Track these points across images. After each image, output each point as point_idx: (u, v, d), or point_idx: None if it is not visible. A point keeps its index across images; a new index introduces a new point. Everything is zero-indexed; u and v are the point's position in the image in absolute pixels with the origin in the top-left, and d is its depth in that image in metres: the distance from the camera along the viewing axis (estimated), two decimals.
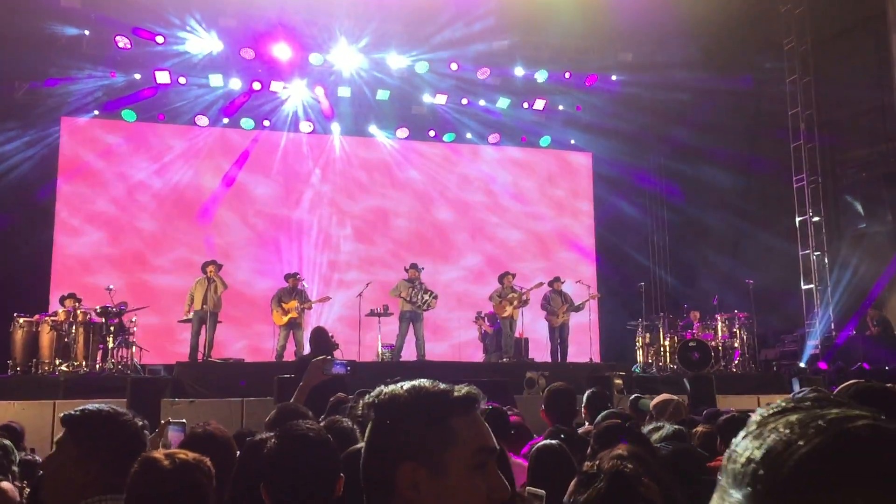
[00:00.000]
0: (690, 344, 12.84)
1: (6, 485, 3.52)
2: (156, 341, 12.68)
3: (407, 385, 1.50)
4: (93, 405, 2.58)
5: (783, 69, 14.92)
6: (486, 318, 14.16)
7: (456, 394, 1.53)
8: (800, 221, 14.69)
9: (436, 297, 12.98)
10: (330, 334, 9.39)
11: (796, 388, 11.75)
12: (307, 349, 12.03)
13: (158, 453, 2.15)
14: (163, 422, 3.86)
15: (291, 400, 4.78)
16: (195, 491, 2.11)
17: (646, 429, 3.52)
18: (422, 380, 1.54)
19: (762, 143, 15.34)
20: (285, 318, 12.53)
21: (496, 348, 13.78)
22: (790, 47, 14.84)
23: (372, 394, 1.50)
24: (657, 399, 4.54)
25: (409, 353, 12.78)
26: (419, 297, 12.77)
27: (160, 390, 9.23)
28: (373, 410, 1.48)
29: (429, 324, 13.35)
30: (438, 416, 1.47)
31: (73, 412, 2.51)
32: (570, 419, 4.46)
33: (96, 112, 14.41)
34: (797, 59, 14.73)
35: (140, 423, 2.58)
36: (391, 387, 1.51)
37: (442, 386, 1.53)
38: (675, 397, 4.27)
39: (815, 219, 14.46)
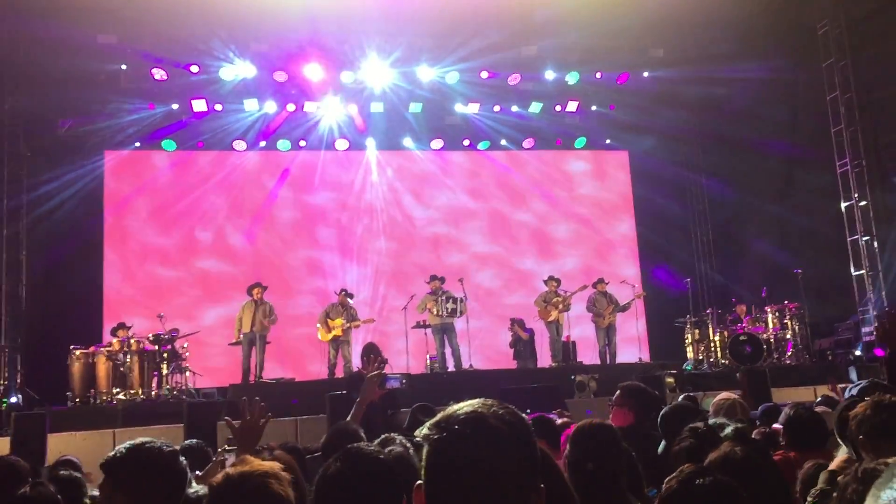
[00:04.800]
0: (741, 338, 12.68)
1: None
2: (208, 365, 12.88)
3: (493, 407, 1.47)
4: (128, 444, 2.56)
5: (819, 53, 14.68)
6: (517, 324, 13.94)
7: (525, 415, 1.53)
8: (846, 207, 14.40)
9: (461, 302, 12.94)
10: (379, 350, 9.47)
11: (853, 376, 11.52)
12: (356, 364, 12.17)
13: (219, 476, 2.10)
14: (219, 449, 3.88)
15: (349, 416, 4.81)
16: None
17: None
18: (484, 399, 1.52)
19: (802, 129, 15.07)
20: (329, 336, 12.65)
21: (530, 354, 13.65)
22: (824, 31, 14.59)
23: (461, 418, 1.42)
24: (717, 398, 4.50)
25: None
26: (445, 307, 12.78)
27: (216, 413, 9.35)
28: (480, 435, 1.40)
29: (464, 330, 13.22)
30: (532, 435, 1.47)
31: (109, 456, 2.51)
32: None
33: (137, 144, 14.73)
34: (832, 42, 14.48)
35: (180, 453, 2.57)
36: (480, 408, 1.46)
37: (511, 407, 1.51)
38: (734, 396, 4.21)
39: (862, 203, 14.18)
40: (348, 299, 13.04)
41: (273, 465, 2.13)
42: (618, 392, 4.27)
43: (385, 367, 9.49)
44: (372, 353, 7.96)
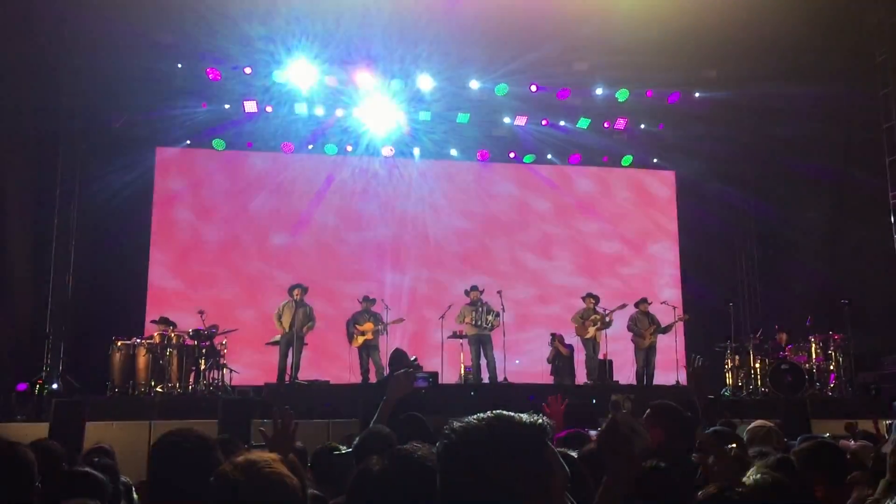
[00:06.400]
0: (783, 366, 12.43)
1: None
2: (244, 363, 13.00)
3: (491, 420, 1.47)
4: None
5: (876, 81, 14.37)
6: (557, 340, 13.83)
7: (542, 423, 1.52)
8: None
9: (498, 316, 12.93)
10: (412, 357, 9.48)
11: None
12: (387, 370, 12.17)
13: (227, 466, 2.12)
14: (246, 446, 3.92)
15: (376, 415, 4.79)
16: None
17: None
18: (499, 412, 1.53)
19: (855, 157, 14.75)
20: (360, 340, 12.72)
21: (568, 371, 13.52)
22: (882, 59, 14.29)
23: (458, 433, 1.46)
24: (752, 425, 4.40)
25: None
26: (482, 318, 12.77)
27: (250, 411, 9.44)
28: (466, 451, 1.44)
29: (500, 343, 13.19)
30: (538, 449, 1.46)
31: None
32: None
33: (188, 142, 14.97)
34: (890, 71, 14.17)
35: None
36: (474, 423, 1.46)
37: (525, 417, 1.52)
38: (769, 423, 4.11)
39: None
40: (370, 305, 13.09)
41: (274, 455, 2.18)
42: (648, 411, 4.05)
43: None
44: (399, 358, 7.96)
